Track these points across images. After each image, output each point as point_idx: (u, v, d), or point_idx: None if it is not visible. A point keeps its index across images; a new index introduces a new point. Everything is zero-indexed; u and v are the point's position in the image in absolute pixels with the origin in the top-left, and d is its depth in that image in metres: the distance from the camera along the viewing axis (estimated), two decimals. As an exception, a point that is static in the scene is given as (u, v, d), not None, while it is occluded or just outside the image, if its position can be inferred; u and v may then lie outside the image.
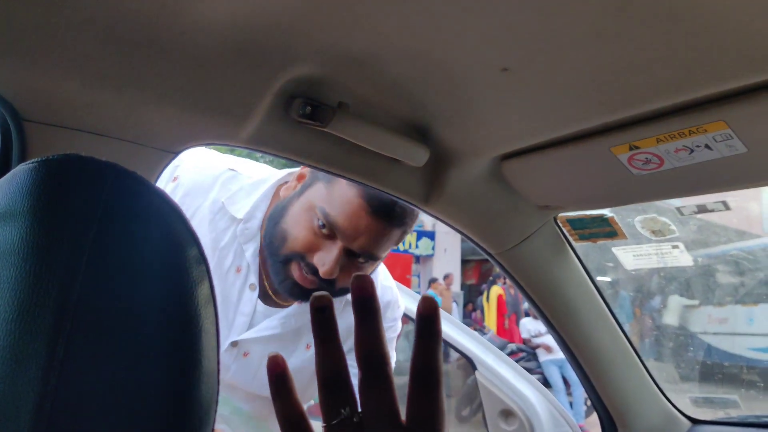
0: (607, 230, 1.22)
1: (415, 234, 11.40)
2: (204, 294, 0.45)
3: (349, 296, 1.15)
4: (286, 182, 1.28)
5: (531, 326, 7.60)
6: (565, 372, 7.13)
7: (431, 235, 11.34)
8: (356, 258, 1.16)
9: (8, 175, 0.46)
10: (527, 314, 8.05)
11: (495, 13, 0.72)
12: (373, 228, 1.13)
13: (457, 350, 1.71)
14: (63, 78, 0.73)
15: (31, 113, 0.75)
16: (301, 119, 0.90)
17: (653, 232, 1.19)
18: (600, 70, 0.81)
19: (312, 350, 1.20)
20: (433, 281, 10.16)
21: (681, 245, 1.20)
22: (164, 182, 1.26)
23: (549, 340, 7.35)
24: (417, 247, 11.38)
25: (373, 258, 1.18)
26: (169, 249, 0.45)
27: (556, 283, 1.31)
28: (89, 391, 0.38)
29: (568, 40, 0.75)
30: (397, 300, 1.46)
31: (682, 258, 1.21)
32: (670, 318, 7.11)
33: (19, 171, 0.45)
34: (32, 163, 0.44)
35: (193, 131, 0.87)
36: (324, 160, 0.99)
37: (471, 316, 11.96)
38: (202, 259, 0.46)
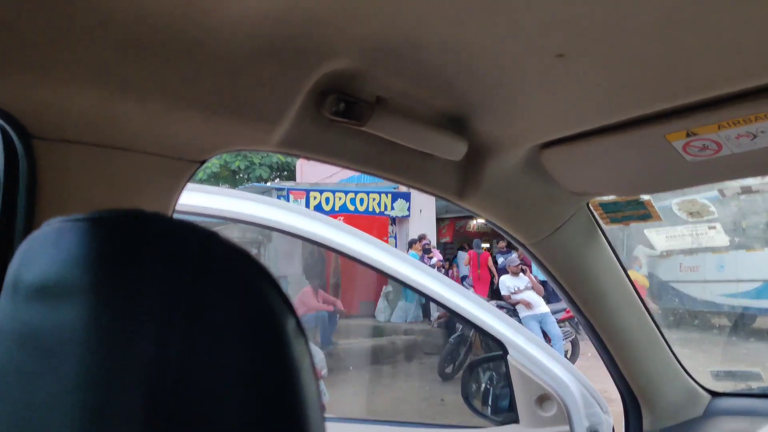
0: (641, 213, 1.17)
1: (390, 196, 11.30)
2: (306, 365, 0.38)
3: None
4: None
5: (510, 283, 7.66)
6: (545, 326, 7.24)
7: (406, 197, 11.27)
8: None
9: (44, 232, 0.37)
10: (505, 271, 8.11)
11: (556, 1, 0.65)
12: None
13: (487, 334, 1.63)
14: (79, 91, 0.64)
15: (43, 130, 0.66)
16: (335, 117, 0.82)
17: (691, 213, 1.14)
18: (667, 57, 0.75)
19: None
20: (412, 243, 10.13)
21: (718, 226, 1.16)
22: None
23: (528, 296, 7.43)
24: (393, 208, 11.30)
25: None
26: (266, 322, 0.37)
27: (587, 269, 1.27)
28: None
29: (638, 26, 0.69)
30: None
31: (718, 238, 1.17)
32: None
33: (63, 229, 0.36)
34: (76, 220, 0.36)
35: (221, 138, 0.78)
36: (356, 159, 0.91)
37: (447, 274, 12.04)
38: (302, 331, 0.39)
